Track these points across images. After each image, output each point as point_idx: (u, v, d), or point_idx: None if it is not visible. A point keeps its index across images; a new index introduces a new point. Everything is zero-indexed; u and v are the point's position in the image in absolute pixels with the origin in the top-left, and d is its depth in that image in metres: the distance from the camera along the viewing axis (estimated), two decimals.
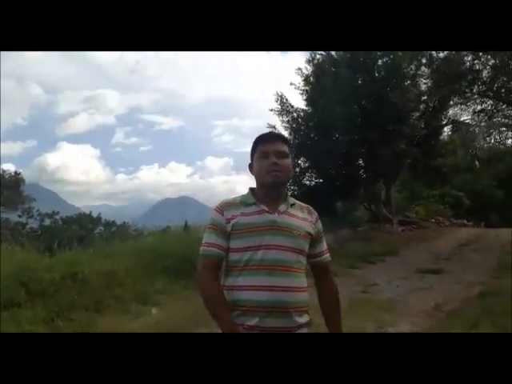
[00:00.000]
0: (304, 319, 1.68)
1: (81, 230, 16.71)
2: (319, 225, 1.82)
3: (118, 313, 5.32)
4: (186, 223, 16.61)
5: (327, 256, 1.84)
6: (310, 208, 1.83)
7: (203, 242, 1.72)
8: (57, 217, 19.74)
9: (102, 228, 19.48)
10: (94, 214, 20.20)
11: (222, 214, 1.71)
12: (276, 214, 1.69)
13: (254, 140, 1.83)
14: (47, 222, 20.05)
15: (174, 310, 5.52)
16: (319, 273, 1.84)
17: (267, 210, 1.69)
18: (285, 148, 1.76)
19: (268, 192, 1.72)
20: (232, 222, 1.67)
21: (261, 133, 1.83)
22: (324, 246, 1.85)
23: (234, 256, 1.67)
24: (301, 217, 1.74)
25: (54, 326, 4.71)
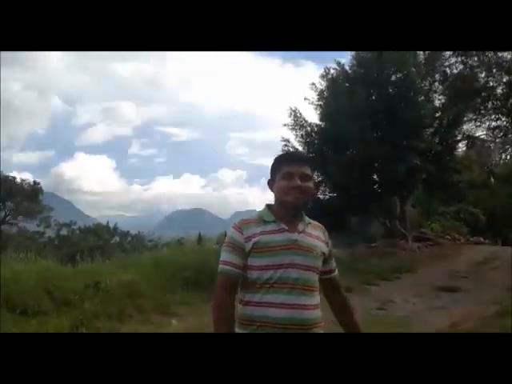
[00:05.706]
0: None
1: (98, 240, 17.06)
2: (330, 242, 1.89)
3: (139, 323, 5.44)
4: (199, 235, 16.77)
5: (337, 272, 1.92)
6: (322, 227, 1.88)
7: (220, 259, 1.74)
8: (74, 227, 20.20)
9: (117, 238, 19.87)
10: (110, 225, 20.60)
11: (242, 233, 1.71)
12: (296, 234, 1.72)
13: (277, 157, 1.87)
14: (64, 231, 20.47)
15: (194, 322, 5.61)
16: (333, 288, 1.90)
17: (287, 228, 1.72)
18: (309, 171, 1.80)
19: (287, 211, 1.75)
20: (253, 240, 1.68)
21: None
22: (334, 262, 1.92)
23: (253, 274, 1.68)
24: (315, 236, 1.79)
25: None
